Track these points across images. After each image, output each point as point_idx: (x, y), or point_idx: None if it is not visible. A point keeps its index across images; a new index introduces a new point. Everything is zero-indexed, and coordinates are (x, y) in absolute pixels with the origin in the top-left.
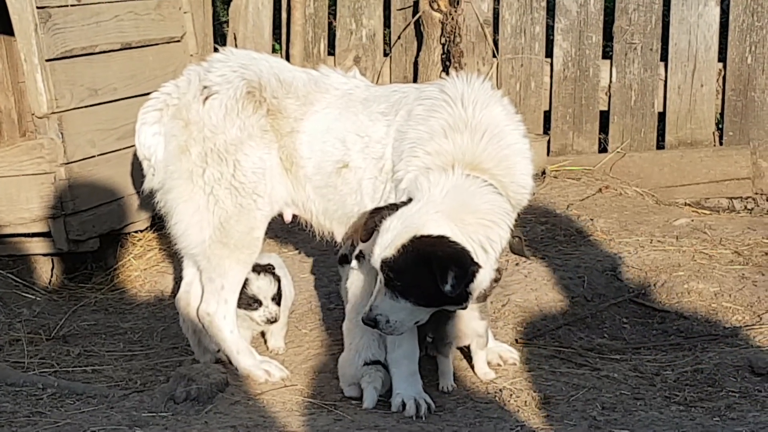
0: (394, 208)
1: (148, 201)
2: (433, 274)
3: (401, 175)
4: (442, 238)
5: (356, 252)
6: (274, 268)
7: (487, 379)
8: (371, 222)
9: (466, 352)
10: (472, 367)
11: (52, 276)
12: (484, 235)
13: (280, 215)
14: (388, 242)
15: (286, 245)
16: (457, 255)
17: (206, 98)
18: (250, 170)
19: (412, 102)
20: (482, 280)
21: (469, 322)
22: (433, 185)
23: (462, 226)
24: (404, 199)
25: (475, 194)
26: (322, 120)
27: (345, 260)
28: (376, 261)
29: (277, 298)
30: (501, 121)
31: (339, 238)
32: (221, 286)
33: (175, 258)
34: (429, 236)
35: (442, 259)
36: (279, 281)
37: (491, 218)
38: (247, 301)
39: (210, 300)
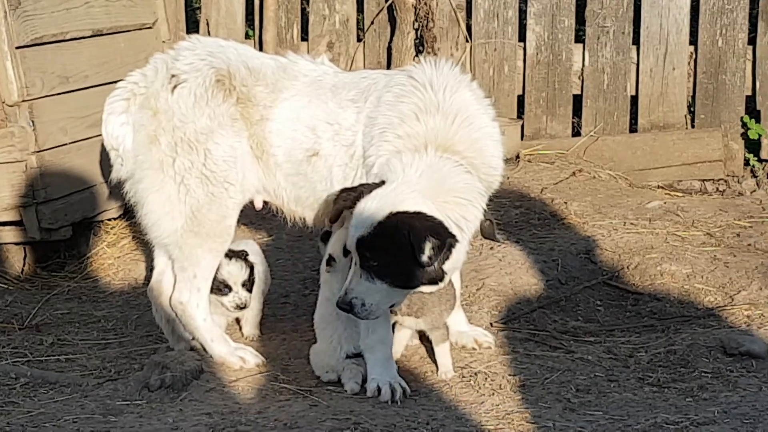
0: (365, 187)
1: (120, 189)
2: (411, 247)
3: (372, 160)
4: (418, 213)
5: (326, 256)
6: (246, 255)
7: (447, 377)
8: (340, 202)
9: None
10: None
11: (24, 265)
12: (460, 213)
13: (252, 202)
14: (362, 222)
15: (261, 232)
16: (434, 226)
17: (175, 87)
18: (220, 159)
19: (382, 88)
20: (458, 257)
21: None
22: (406, 166)
23: (438, 203)
24: (377, 182)
25: (450, 173)
26: (292, 107)
27: (327, 237)
28: (351, 242)
29: (249, 285)
30: (471, 105)
31: (310, 223)
32: (194, 274)
33: (148, 246)
34: (405, 212)
35: (420, 230)
36: (252, 268)
37: (466, 197)
38: (218, 286)
39: (182, 289)
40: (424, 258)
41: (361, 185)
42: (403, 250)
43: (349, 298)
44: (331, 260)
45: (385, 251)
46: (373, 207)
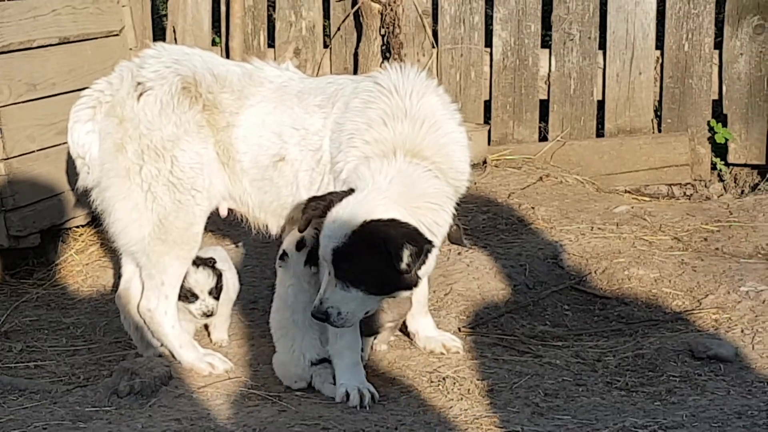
0: (334, 196)
1: (87, 197)
2: (387, 255)
3: (341, 166)
4: (392, 221)
5: (280, 251)
6: (214, 262)
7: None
8: (309, 211)
9: (409, 341)
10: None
11: None
12: (432, 218)
13: (217, 210)
14: (335, 231)
15: (228, 238)
16: (410, 233)
17: (140, 94)
18: (187, 166)
19: (349, 94)
20: (432, 261)
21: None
22: (375, 172)
23: (410, 209)
24: (345, 189)
25: (420, 179)
26: (258, 114)
27: (283, 258)
28: (325, 253)
29: (215, 292)
30: (438, 110)
31: (273, 231)
32: (161, 282)
33: (116, 253)
34: (379, 220)
35: (396, 238)
36: (219, 275)
37: (437, 202)
38: (185, 294)
39: (150, 296)
40: (403, 265)
41: (330, 194)
42: (380, 258)
43: (325, 308)
44: (284, 255)
45: (361, 260)
46: (346, 216)
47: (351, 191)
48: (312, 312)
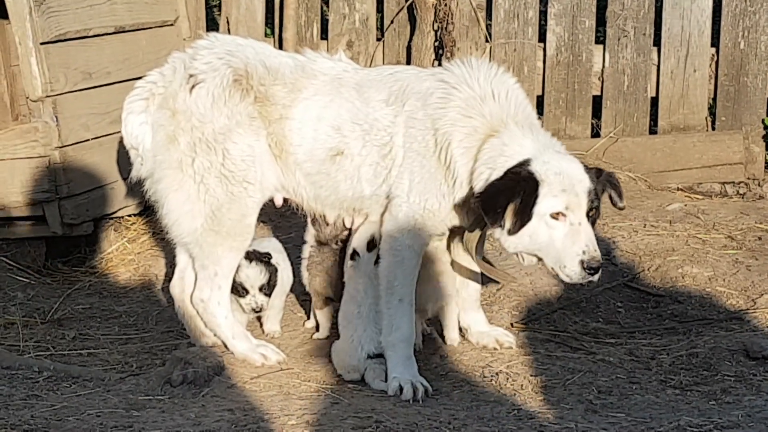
0: (520, 168)
1: (140, 186)
2: (618, 187)
3: (460, 152)
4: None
5: (350, 250)
6: (269, 258)
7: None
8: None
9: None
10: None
11: (46, 260)
12: None
13: (272, 200)
14: (577, 177)
15: (282, 228)
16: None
17: (192, 87)
18: (239, 158)
19: (424, 91)
20: None
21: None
22: (523, 142)
23: None
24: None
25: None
26: (313, 107)
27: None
28: (581, 197)
29: (267, 289)
30: (513, 85)
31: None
32: (214, 272)
33: (168, 243)
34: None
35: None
36: (273, 272)
37: None
38: (235, 287)
39: (203, 287)
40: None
41: (512, 170)
42: (616, 191)
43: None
44: (354, 254)
45: (599, 199)
46: (571, 164)
47: (527, 161)
48: (591, 265)
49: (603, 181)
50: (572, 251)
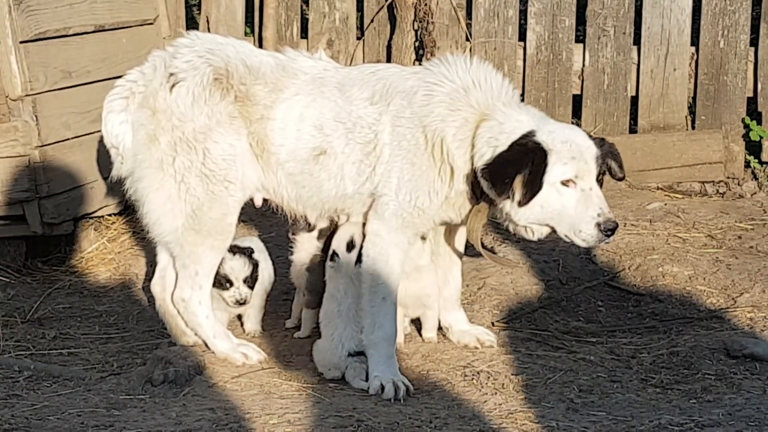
0: (526, 138)
1: (120, 185)
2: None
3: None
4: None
5: (330, 252)
6: (252, 252)
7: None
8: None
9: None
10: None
11: (26, 259)
12: None
13: (251, 200)
14: (585, 142)
15: (263, 228)
16: None
17: (173, 86)
18: (220, 157)
19: (408, 89)
20: None
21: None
22: (521, 116)
23: None
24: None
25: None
26: (295, 107)
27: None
28: (590, 163)
29: (250, 281)
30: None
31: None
32: (195, 272)
33: (149, 241)
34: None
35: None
36: (255, 265)
37: None
38: (219, 280)
39: (184, 286)
40: None
41: (519, 141)
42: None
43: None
44: (334, 256)
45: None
46: (575, 132)
47: (531, 132)
48: (607, 226)
49: (606, 151)
50: (587, 215)
